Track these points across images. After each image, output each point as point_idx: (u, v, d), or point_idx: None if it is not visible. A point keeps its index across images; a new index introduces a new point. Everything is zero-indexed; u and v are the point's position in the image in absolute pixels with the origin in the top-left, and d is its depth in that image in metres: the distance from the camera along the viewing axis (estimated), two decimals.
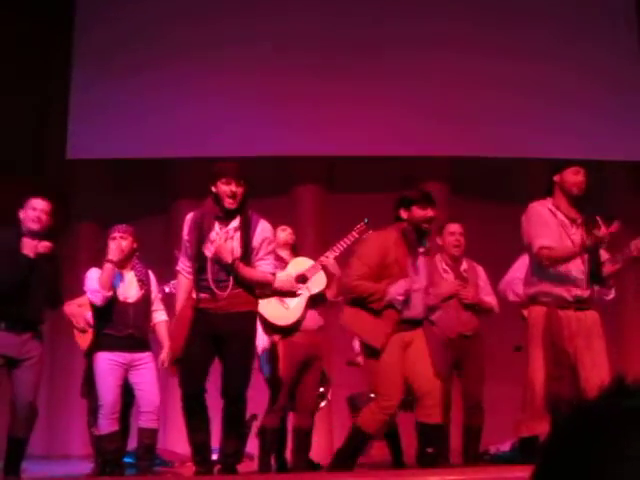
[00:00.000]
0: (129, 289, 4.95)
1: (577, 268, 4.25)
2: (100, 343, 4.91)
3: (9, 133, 7.69)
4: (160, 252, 6.49)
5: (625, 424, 0.74)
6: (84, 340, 5.51)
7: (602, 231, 4.14)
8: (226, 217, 4.30)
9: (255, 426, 5.45)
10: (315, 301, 5.15)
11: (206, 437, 4.35)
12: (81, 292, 5.21)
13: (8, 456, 4.51)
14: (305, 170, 8.05)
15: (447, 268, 5.28)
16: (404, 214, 4.34)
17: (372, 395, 4.45)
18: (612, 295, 4.51)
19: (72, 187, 8.17)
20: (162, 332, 4.98)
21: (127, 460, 5.21)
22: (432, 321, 4.74)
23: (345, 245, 5.12)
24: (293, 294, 5.07)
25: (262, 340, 5.07)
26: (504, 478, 3.94)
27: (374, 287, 4.25)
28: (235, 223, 4.30)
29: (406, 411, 4.75)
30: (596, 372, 4.09)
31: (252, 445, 5.71)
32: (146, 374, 4.91)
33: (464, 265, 5.30)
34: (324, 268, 5.13)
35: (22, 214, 4.61)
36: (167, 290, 5.40)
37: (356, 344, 5.34)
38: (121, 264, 4.90)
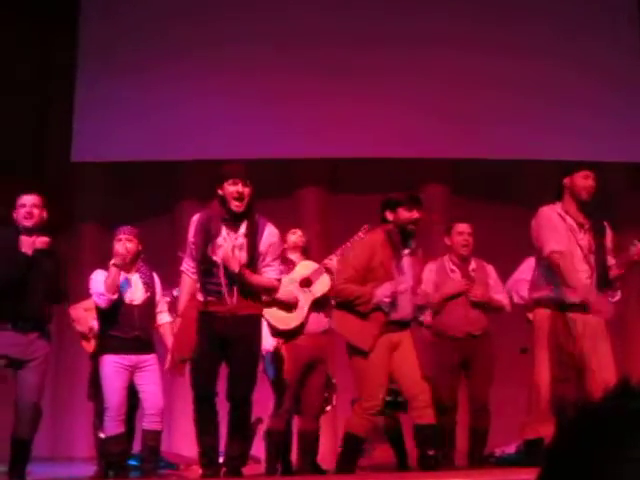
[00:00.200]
0: (135, 291, 4.95)
1: (585, 272, 4.26)
2: (106, 345, 4.91)
3: (10, 133, 7.68)
4: (164, 253, 6.49)
5: (630, 426, 0.74)
6: (89, 343, 5.52)
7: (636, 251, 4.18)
8: (233, 220, 4.29)
9: (260, 429, 5.44)
10: (319, 304, 5.15)
11: (214, 440, 4.36)
12: (85, 293, 5.21)
13: (13, 458, 4.51)
14: (308, 172, 8.05)
15: (454, 268, 5.27)
16: (390, 216, 4.38)
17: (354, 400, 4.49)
18: (618, 297, 4.52)
19: (75, 188, 8.17)
20: (166, 333, 4.98)
21: (131, 463, 5.21)
22: (421, 322, 4.76)
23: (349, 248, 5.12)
24: (294, 306, 5.09)
25: (267, 342, 5.07)
26: None
27: (360, 290, 4.28)
28: (243, 228, 4.30)
29: (400, 412, 4.77)
30: (602, 374, 4.09)
31: (257, 448, 5.71)
32: (151, 376, 4.91)
33: (473, 265, 5.30)
34: (328, 271, 5.13)
35: (15, 214, 4.63)
36: (175, 294, 5.39)
37: None
38: (127, 267, 4.90)
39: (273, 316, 5.04)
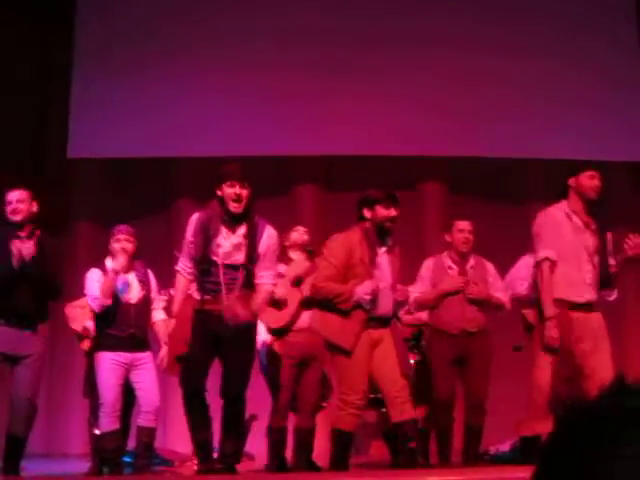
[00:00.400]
0: (130, 290, 4.96)
1: (589, 272, 4.28)
2: (102, 343, 4.92)
3: (9, 133, 7.69)
4: (160, 251, 6.48)
5: (625, 424, 0.74)
6: (85, 341, 5.51)
7: None
8: (233, 221, 4.30)
9: (254, 426, 5.45)
10: (312, 302, 5.15)
11: (208, 435, 4.37)
12: (81, 291, 5.20)
13: (7, 454, 4.51)
14: (304, 170, 8.05)
15: (452, 265, 5.28)
16: (367, 213, 4.41)
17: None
18: (615, 296, 4.53)
19: (72, 186, 8.16)
20: (161, 331, 4.99)
21: (126, 459, 5.22)
22: (399, 317, 4.78)
23: None
24: (283, 304, 5.10)
25: (262, 337, 5.09)
26: (504, 478, 3.94)
27: (341, 288, 4.30)
28: (242, 230, 4.31)
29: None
30: (600, 373, 4.10)
31: (251, 445, 5.71)
32: (146, 374, 4.92)
33: (471, 262, 5.30)
34: None
35: (5, 211, 4.68)
36: (172, 293, 5.39)
37: None
38: (124, 267, 4.92)
39: (263, 315, 5.04)
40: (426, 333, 5.50)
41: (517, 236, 5.66)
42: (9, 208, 4.64)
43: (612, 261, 4.43)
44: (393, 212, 4.38)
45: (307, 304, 5.12)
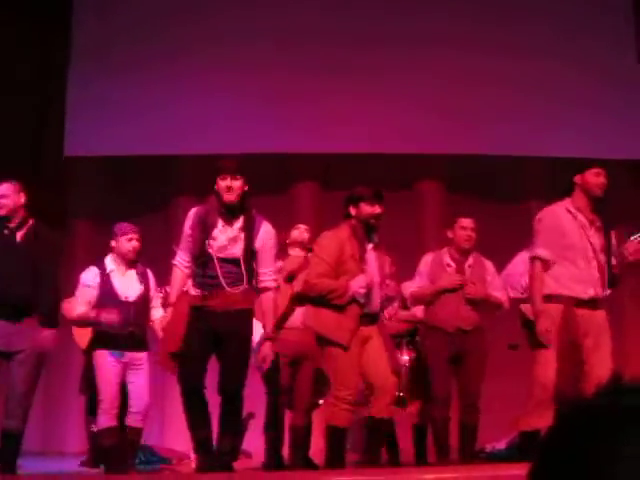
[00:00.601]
0: (130, 288, 4.97)
1: (594, 269, 4.29)
2: (100, 340, 4.93)
3: (8, 133, 7.68)
4: (159, 249, 6.48)
5: (623, 422, 0.74)
6: (82, 338, 5.50)
7: None
8: (229, 214, 4.33)
9: (252, 424, 5.45)
10: (304, 298, 5.14)
11: (208, 431, 4.37)
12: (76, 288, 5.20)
13: (3, 451, 4.50)
14: (302, 168, 8.05)
15: (451, 262, 5.28)
16: (353, 210, 4.45)
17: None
18: (607, 292, 4.54)
19: (70, 184, 8.16)
20: (159, 328, 4.99)
21: None
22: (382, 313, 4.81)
23: None
24: None
25: (258, 334, 5.08)
26: (500, 476, 3.94)
27: (335, 284, 4.34)
28: (238, 223, 4.33)
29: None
30: (600, 371, 4.11)
31: (248, 443, 5.71)
32: (140, 375, 4.94)
33: (470, 261, 5.30)
34: None
35: None
36: (169, 290, 5.39)
37: None
38: (127, 264, 4.96)
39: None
40: (421, 330, 5.50)
41: (515, 234, 5.66)
42: None
43: (614, 261, 4.43)
44: (377, 209, 4.43)
45: (299, 300, 5.12)
